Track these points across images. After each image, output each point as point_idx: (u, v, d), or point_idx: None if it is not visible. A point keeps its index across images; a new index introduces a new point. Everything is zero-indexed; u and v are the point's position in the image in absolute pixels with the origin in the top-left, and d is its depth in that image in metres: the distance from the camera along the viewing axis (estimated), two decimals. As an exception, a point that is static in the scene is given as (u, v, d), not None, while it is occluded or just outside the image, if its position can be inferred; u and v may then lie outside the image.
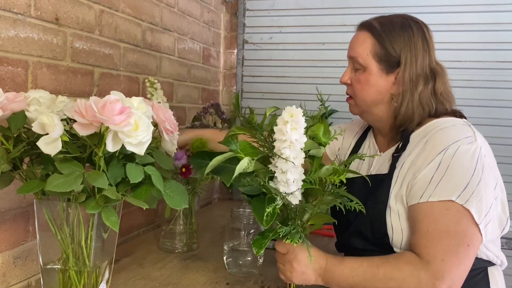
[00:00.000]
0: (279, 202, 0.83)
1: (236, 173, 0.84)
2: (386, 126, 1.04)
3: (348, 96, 1.07)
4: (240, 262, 1.19)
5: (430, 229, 0.86)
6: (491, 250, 0.94)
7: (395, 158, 0.98)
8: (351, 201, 0.87)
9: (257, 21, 2.14)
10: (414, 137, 0.97)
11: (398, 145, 0.99)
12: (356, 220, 1.00)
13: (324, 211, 0.92)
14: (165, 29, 1.63)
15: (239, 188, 0.90)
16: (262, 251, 0.87)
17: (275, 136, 0.84)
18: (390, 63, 0.98)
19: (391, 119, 1.01)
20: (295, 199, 0.85)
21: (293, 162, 0.82)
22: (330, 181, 0.86)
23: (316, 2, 2.03)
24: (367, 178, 0.93)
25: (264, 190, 0.86)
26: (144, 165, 0.82)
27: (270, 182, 0.85)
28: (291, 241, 0.87)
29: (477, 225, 0.85)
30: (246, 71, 2.18)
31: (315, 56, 2.05)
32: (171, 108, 1.12)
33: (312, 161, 0.91)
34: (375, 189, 0.97)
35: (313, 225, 0.93)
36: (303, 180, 0.86)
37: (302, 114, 0.83)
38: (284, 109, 0.83)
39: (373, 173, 1.03)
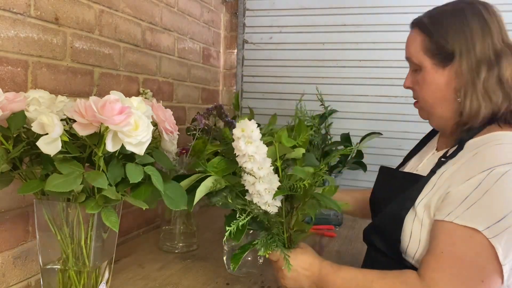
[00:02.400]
0: (243, 218, 0.83)
1: (200, 194, 0.84)
2: (449, 126, 0.93)
3: (415, 101, 0.99)
4: (240, 262, 1.19)
5: (445, 252, 0.78)
6: None
7: (440, 162, 0.88)
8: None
9: (257, 21, 2.14)
10: (469, 145, 0.86)
11: (448, 150, 0.91)
12: (379, 214, 0.95)
13: (310, 215, 0.90)
14: (165, 29, 1.63)
15: (217, 204, 0.89)
16: (237, 266, 0.89)
17: (235, 152, 0.83)
18: (444, 56, 0.89)
19: (457, 118, 0.90)
20: (272, 207, 0.85)
21: (255, 175, 0.82)
22: (307, 184, 0.84)
23: (316, 2, 2.03)
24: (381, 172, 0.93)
25: (233, 207, 0.86)
26: (144, 165, 0.82)
27: (246, 194, 0.86)
28: (264, 252, 0.87)
29: (500, 265, 0.76)
30: (246, 71, 2.18)
31: (315, 56, 2.05)
32: (171, 108, 1.12)
33: (295, 164, 0.91)
34: (407, 188, 0.90)
35: (301, 231, 0.93)
36: (281, 188, 0.85)
37: (257, 125, 0.82)
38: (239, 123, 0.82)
39: (414, 171, 0.97)
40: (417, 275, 0.80)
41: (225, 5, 2.19)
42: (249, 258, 1.19)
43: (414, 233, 0.85)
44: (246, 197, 0.86)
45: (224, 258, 1.21)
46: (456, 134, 0.91)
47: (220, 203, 0.88)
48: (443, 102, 0.91)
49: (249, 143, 0.80)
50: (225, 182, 0.87)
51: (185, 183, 0.89)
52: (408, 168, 1.02)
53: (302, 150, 0.90)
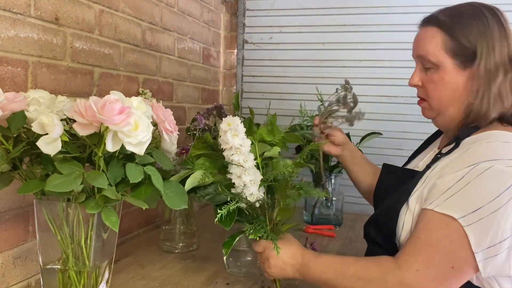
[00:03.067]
0: (237, 204, 0.89)
1: (189, 185, 0.90)
2: (454, 125, 0.95)
3: (419, 98, 0.99)
4: (240, 262, 1.19)
5: (421, 237, 0.82)
6: (503, 286, 0.84)
7: (435, 158, 0.92)
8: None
9: (257, 21, 2.14)
10: (465, 142, 0.89)
11: (442, 147, 0.94)
12: (379, 208, 0.98)
13: (292, 204, 0.97)
14: (165, 29, 1.63)
15: (204, 199, 0.95)
16: (229, 251, 0.96)
17: (222, 146, 0.91)
18: (466, 57, 0.89)
19: (464, 118, 0.92)
20: (255, 196, 0.91)
21: (242, 166, 0.89)
22: (287, 172, 0.92)
23: (316, 2, 2.03)
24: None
25: (225, 196, 0.91)
26: (144, 165, 0.82)
27: (232, 189, 0.91)
28: (254, 235, 0.91)
29: (473, 253, 0.78)
30: (246, 71, 2.18)
31: (315, 56, 2.04)
32: (171, 108, 1.12)
33: (271, 161, 0.98)
34: (404, 183, 0.93)
35: (285, 224, 0.99)
36: (264, 180, 0.92)
37: (241, 121, 0.91)
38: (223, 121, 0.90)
39: (413, 168, 1.00)
40: (392, 259, 0.84)
41: (225, 5, 2.19)
42: (249, 258, 1.19)
43: (405, 225, 0.89)
44: (232, 191, 0.92)
45: (224, 258, 1.21)
46: (457, 132, 0.93)
47: (209, 196, 0.94)
48: (457, 103, 0.92)
49: (235, 135, 0.89)
50: (212, 177, 0.94)
51: (174, 178, 0.93)
52: (411, 166, 1.05)
53: (278, 149, 0.98)
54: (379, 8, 1.94)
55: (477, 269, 0.80)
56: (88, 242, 0.84)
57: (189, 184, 0.90)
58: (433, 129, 1.11)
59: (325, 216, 1.72)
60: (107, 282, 0.91)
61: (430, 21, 0.95)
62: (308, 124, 1.67)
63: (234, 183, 0.91)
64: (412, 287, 0.80)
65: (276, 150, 0.98)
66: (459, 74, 0.90)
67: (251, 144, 0.93)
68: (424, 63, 0.94)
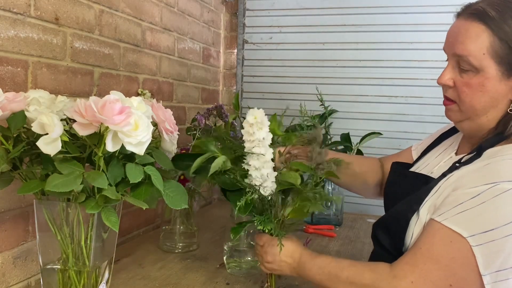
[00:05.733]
0: (254, 194, 0.90)
1: (213, 169, 0.91)
2: (482, 133, 0.85)
3: (445, 98, 0.88)
4: (240, 262, 1.19)
5: (423, 248, 0.78)
6: None
7: (453, 167, 0.84)
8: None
9: (257, 21, 2.14)
10: (487, 154, 0.81)
11: (462, 157, 0.87)
12: (389, 211, 0.94)
13: (308, 207, 0.96)
14: (165, 29, 1.63)
15: (217, 184, 0.96)
16: (238, 236, 0.99)
17: (244, 137, 0.91)
18: None
19: (495, 127, 0.83)
20: (269, 190, 0.92)
21: (264, 159, 0.90)
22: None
23: (316, 2, 2.03)
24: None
25: (240, 186, 0.93)
26: (144, 165, 0.82)
27: (245, 179, 0.93)
28: (263, 227, 0.92)
29: (477, 274, 0.73)
30: (246, 71, 2.18)
31: (315, 56, 2.05)
32: (171, 108, 1.12)
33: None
34: (417, 189, 0.88)
35: (293, 224, 1.00)
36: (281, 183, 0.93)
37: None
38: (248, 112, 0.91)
39: (427, 173, 0.93)
40: (388, 266, 0.81)
41: (225, 5, 2.19)
42: (249, 258, 1.19)
43: (414, 235, 0.85)
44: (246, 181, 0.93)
45: (224, 258, 1.21)
46: (481, 140, 0.85)
47: (229, 181, 0.95)
48: (492, 112, 0.82)
49: (260, 129, 0.90)
50: (231, 164, 0.95)
51: (200, 159, 0.94)
52: (423, 166, 0.99)
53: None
54: (379, 8, 1.94)
55: None
56: (88, 242, 0.84)
57: (214, 168, 0.91)
58: (433, 129, 1.10)
59: (325, 216, 1.72)
60: (107, 282, 0.91)
61: (475, 13, 0.80)
62: (308, 124, 1.67)
63: (251, 175, 0.92)
64: None
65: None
66: (502, 82, 0.79)
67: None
68: (462, 64, 0.82)
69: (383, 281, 0.79)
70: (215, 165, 0.91)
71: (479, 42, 0.79)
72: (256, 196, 0.92)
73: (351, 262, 0.88)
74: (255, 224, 0.93)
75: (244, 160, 0.93)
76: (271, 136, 0.92)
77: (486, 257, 0.73)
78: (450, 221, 0.76)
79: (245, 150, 0.92)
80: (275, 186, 0.93)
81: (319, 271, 0.88)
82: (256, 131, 0.90)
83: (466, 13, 0.82)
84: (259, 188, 0.91)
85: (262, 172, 0.90)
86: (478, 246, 0.73)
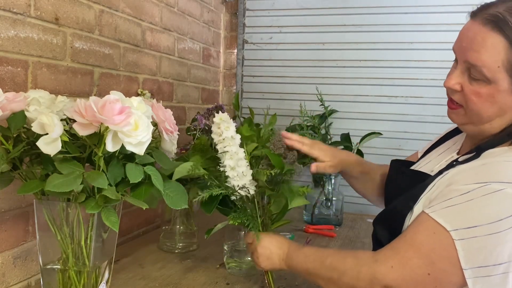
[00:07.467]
0: (216, 190, 0.94)
1: (178, 174, 0.92)
2: (484, 136, 0.85)
3: (451, 101, 0.86)
4: (240, 262, 1.19)
5: (407, 236, 0.80)
6: None
7: (450, 165, 0.85)
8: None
9: (257, 21, 2.14)
10: (486, 154, 0.81)
11: (459, 156, 0.87)
12: (385, 208, 0.96)
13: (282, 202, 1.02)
14: (165, 29, 1.63)
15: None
16: (209, 236, 1.05)
17: (215, 140, 0.98)
18: None
19: (498, 132, 0.83)
20: (249, 189, 0.97)
21: (236, 157, 0.96)
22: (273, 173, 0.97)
23: (316, 2, 2.03)
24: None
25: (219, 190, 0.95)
26: (144, 165, 0.82)
27: (226, 183, 0.96)
28: (233, 222, 0.98)
29: (457, 268, 0.74)
30: (246, 71, 2.18)
31: (315, 56, 2.04)
32: (171, 108, 1.12)
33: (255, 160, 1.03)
34: (413, 186, 0.88)
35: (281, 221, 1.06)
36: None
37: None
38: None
39: (428, 171, 0.93)
40: (371, 252, 0.84)
41: (225, 5, 2.18)
42: (249, 258, 1.19)
43: None
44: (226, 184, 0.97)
45: (224, 258, 1.21)
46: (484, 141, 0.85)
47: (201, 185, 0.99)
48: (498, 120, 0.81)
49: (227, 128, 0.96)
50: (202, 168, 0.98)
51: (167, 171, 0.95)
52: (426, 165, 0.99)
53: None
54: (379, 8, 1.94)
55: (463, 284, 0.75)
56: (88, 242, 0.84)
57: (176, 174, 0.92)
58: (433, 129, 1.10)
59: (325, 216, 1.72)
60: (107, 282, 0.91)
61: (494, 21, 0.75)
62: (308, 124, 1.67)
63: (228, 176, 0.96)
64: (384, 282, 0.78)
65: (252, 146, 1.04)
66: None
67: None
68: (473, 73, 0.79)
69: (364, 266, 0.81)
70: (182, 170, 0.92)
71: (495, 53, 0.75)
72: (234, 196, 0.97)
73: (336, 250, 0.92)
74: (228, 221, 0.99)
75: (220, 163, 0.97)
76: (238, 136, 0.98)
77: (468, 252, 0.74)
78: (437, 214, 0.78)
79: (218, 152, 0.97)
80: (254, 184, 0.98)
81: (305, 259, 0.91)
82: (224, 130, 0.96)
83: (483, 17, 0.77)
84: (236, 186, 0.95)
85: (238, 171, 0.95)
86: (460, 240, 0.74)
